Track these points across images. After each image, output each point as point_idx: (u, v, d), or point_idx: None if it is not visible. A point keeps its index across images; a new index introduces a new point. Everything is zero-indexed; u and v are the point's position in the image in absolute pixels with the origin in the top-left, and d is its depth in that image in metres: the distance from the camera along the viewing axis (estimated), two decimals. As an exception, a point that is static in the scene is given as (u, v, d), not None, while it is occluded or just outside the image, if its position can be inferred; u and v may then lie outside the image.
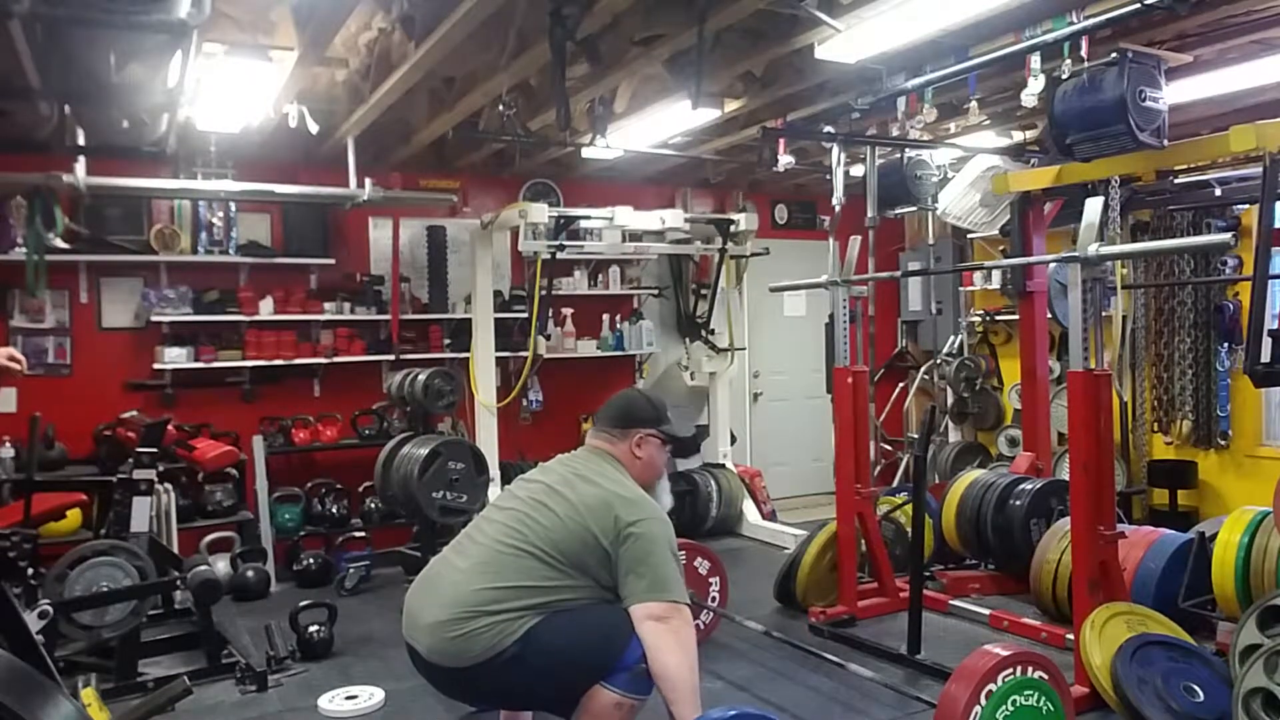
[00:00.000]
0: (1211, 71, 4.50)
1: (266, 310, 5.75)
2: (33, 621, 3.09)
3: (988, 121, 5.54)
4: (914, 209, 6.19)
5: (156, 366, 5.56)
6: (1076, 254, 3.33)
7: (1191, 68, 4.38)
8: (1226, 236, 3.16)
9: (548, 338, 6.48)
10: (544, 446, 5.59)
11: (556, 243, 5.76)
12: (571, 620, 2.50)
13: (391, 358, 6.08)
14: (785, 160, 5.37)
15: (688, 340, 7.01)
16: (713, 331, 6.80)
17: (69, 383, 5.47)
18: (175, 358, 5.50)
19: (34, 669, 1.64)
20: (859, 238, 4.53)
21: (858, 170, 6.04)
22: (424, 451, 4.90)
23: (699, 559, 4.15)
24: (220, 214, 5.75)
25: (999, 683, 2.75)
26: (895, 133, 5.15)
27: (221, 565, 5.01)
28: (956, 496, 4.90)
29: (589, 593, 2.55)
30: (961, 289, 7.26)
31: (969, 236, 6.99)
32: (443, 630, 2.48)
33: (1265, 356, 3.32)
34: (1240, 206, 5.76)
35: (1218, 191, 5.54)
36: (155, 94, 3.78)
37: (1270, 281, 3.71)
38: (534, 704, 2.79)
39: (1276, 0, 3.72)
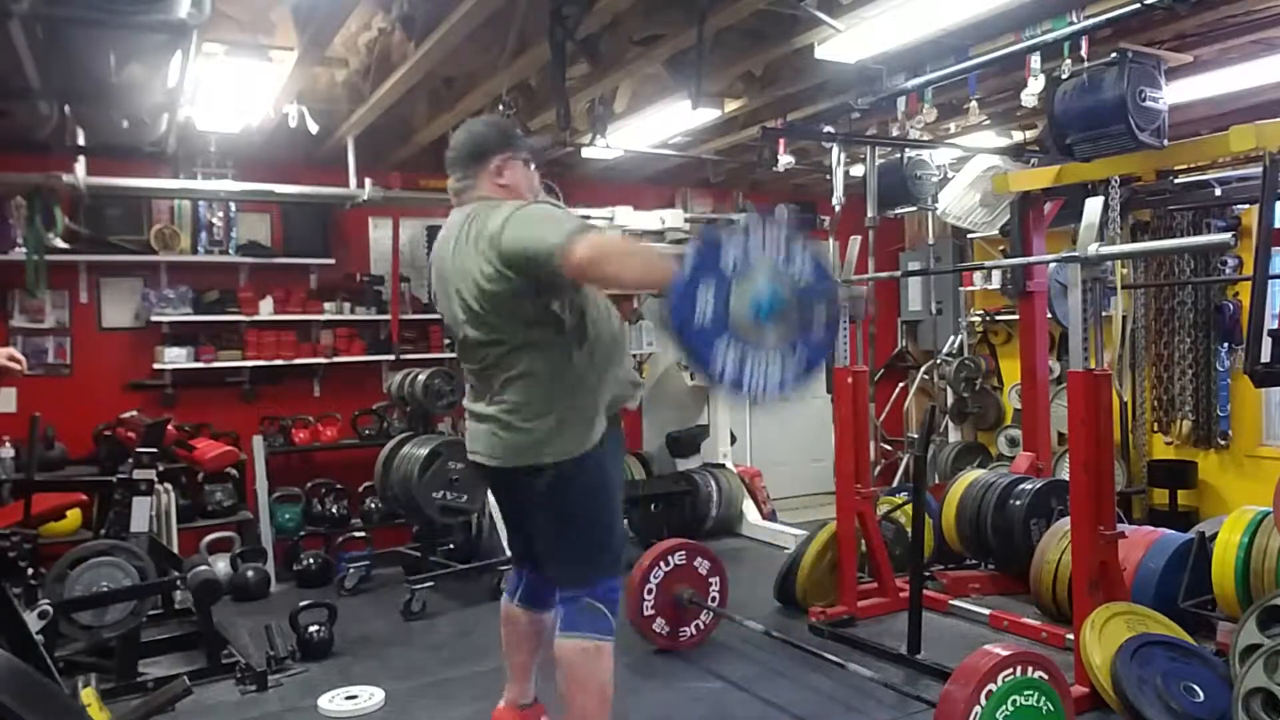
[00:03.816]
0: (1211, 71, 4.50)
1: (266, 310, 5.75)
2: (33, 621, 3.09)
3: (988, 121, 5.54)
4: (914, 209, 6.19)
5: (156, 366, 5.56)
6: (1076, 254, 3.33)
7: (1191, 68, 4.38)
8: (1226, 236, 3.17)
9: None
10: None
11: (556, 242, 5.74)
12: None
13: (391, 358, 6.07)
14: (785, 160, 5.37)
15: (688, 340, 7.00)
16: (713, 331, 6.79)
17: (69, 383, 5.47)
18: (175, 358, 5.50)
19: (34, 669, 1.64)
20: (859, 238, 4.53)
21: (858, 170, 6.03)
22: (424, 451, 4.90)
23: (699, 559, 4.15)
24: (220, 214, 5.75)
25: (999, 683, 2.75)
26: (895, 133, 5.15)
27: (221, 565, 5.01)
28: (956, 496, 4.90)
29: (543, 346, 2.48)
30: (961, 289, 7.26)
31: (969, 236, 6.99)
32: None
33: (1265, 356, 3.32)
34: (1240, 206, 5.76)
35: (1218, 191, 5.54)
36: (155, 94, 3.77)
37: (1270, 281, 3.71)
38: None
39: (1276, 0, 3.72)
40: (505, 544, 4.03)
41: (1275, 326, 3.43)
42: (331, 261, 6.04)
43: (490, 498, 5.35)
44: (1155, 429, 6.43)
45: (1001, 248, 6.81)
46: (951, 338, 7.23)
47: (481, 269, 2.41)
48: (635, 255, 2.31)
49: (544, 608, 2.86)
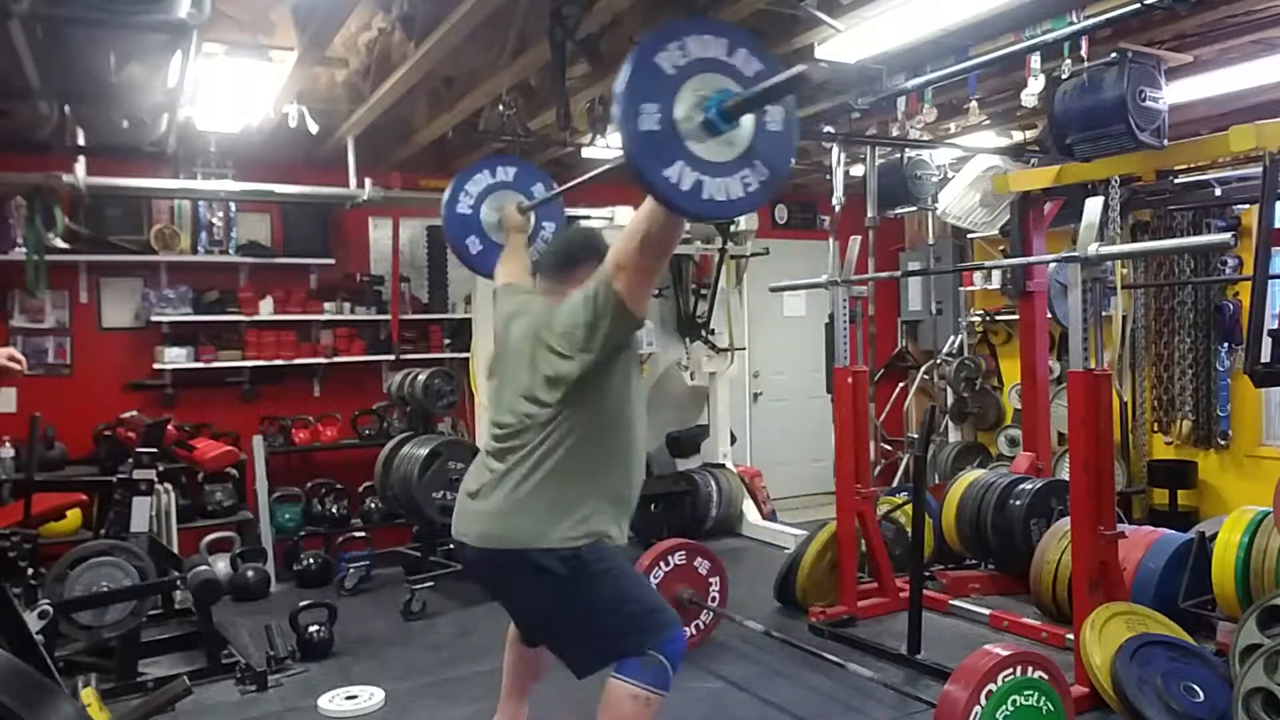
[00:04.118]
0: (1211, 71, 4.50)
1: (266, 310, 5.75)
2: (33, 621, 3.08)
3: (988, 121, 5.54)
4: (914, 209, 6.19)
5: (156, 366, 5.56)
6: (1076, 254, 3.33)
7: (1191, 68, 4.38)
8: (1226, 236, 3.16)
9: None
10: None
11: (557, 242, 5.74)
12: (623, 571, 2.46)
13: (391, 358, 6.08)
14: (785, 160, 5.36)
15: (688, 340, 7.00)
16: (713, 331, 6.80)
17: (69, 383, 5.47)
18: (175, 358, 5.50)
19: (34, 669, 1.64)
20: (859, 238, 4.53)
21: (858, 170, 6.04)
22: (424, 451, 4.90)
23: (699, 559, 4.15)
24: (220, 214, 5.75)
25: (999, 683, 2.75)
26: (895, 133, 5.15)
27: (221, 565, 5.01)
28: (956, 496, 4.90)
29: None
30: (961, 289, 7.27)
31: (969, 236, 7.00)
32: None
33: (1265, 356, 3.32)
34: (1240, 206, 5.76)
35: (1218, 191, 5.54)
36: (155, 94, 3.78)
37: (1270, 281, 3.71)
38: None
39: (1276, 0, 3.73)
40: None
41: (1275, 326, 3.44)
42: (331, 261, 6.05)
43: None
44: (1155, 429, 6.43)
45: (1001, 248, 6.81)
46: (951, 338, 7.23)
47: (552, 363, 2.42)
48: (639, 218, 2.21)
49: None
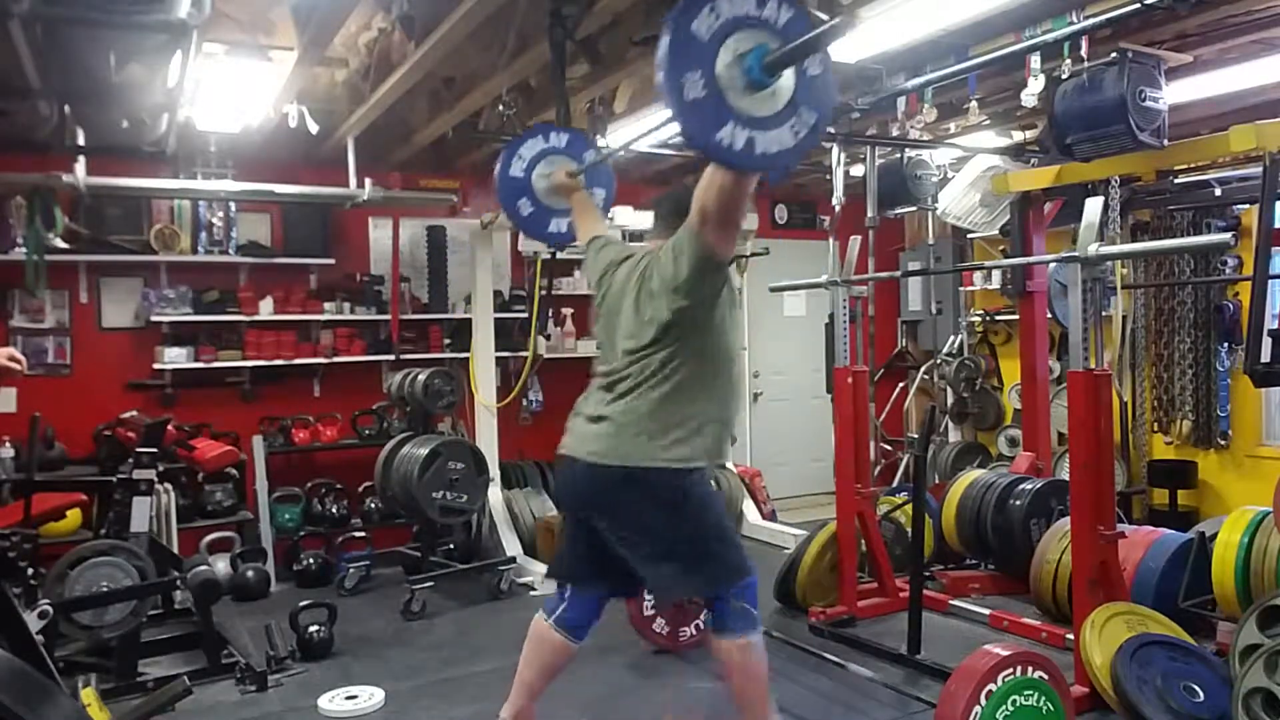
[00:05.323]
0: (1211, 71, 4.50)
1: (266, 310, 5.75)
2: (33, 621, 3.09)
3: (988, 121, 5.54)
4: (914, 209, 6.19)
5: (156, 366, 5.56)
6: (1076, 254, 3.33)
7: (1191, 68, 4.38)
8: (1226, 236, 3.16)
9: (548, 338, 6.48)
10: (544, 447, 5.58)
11: (557, 242, 5.75)
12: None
13: (391, 358, 6.08)
14: (785, 160, 5.35)
15: (688, 340, 7.00)
16: (713, 331, 6.80)
17: (69, 383, 5.47)
18: (175, 358, 5.50)
19: (34, 669, 1.64)
20: (859, 238, 4.53)
21: (858, 170, 6.04)
22: (424, 451, 4.90)
23: (699, 559, 4.15)
24: (220, 214, 5.75)
25: (999, 683, 2.75)
26: (895, 133, 5.15)
27: (221, 565, 5.01)
28: (956, 496, 4.90)
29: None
30: (961, 289, 7.26)
31: (969, 236, 6.99)
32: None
33: (1265, 356, 3.32)
34: (1240, 206, 5.76)
35: (1218, 191, 5.54)
36: (155, 94, 3.79)
37: (1270, 281, 3.71)
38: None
39: (1276, 0, 3.72)
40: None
41: (1275, 326, 3.44)
42: (331, 261, 6.04)
43: (491, 497, 5.36)
44: (1155, 429, 6.42)
45: (1001, 248, 6.81)
46: (951, 338, 7.23)
47: (655, 305, 2.64)
48: (708, 175, 2.35)
49: (580, 637, 2.88)
